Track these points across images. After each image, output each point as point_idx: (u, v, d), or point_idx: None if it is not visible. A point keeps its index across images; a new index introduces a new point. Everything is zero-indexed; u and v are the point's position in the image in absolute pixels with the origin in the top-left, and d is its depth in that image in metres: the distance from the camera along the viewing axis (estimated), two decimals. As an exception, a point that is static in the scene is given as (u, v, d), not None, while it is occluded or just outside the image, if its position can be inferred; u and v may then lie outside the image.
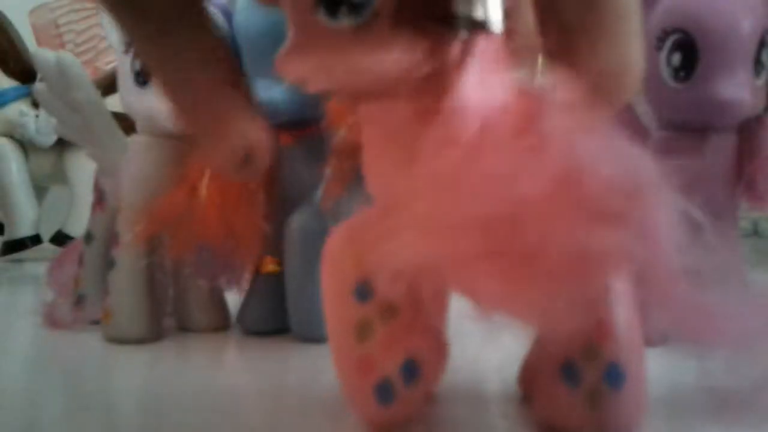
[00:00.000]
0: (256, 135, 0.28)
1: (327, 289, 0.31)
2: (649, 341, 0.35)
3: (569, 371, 0.28)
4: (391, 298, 0.28)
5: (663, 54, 0.44)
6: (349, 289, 0.29)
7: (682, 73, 0.43)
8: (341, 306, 0.30)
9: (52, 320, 0.50)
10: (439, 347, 0.30)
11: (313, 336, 0.46)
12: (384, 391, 0.29)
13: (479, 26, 0.25)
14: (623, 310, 0.28)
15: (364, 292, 0.29)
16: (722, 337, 0.28)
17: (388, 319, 0.29)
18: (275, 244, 0.47)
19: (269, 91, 0.44)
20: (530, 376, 0.32)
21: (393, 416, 0.29)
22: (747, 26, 0.42)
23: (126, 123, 0.49)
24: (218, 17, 0.47)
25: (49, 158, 0.79)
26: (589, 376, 0.28)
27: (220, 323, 0.50)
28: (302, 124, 0.45)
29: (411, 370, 0.29)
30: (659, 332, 0.36)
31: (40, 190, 0.81)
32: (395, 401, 0.29)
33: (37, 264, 0.71)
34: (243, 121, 0.28)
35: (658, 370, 0.42)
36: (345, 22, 0.24)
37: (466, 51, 0.25)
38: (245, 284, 0.49)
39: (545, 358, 0.29)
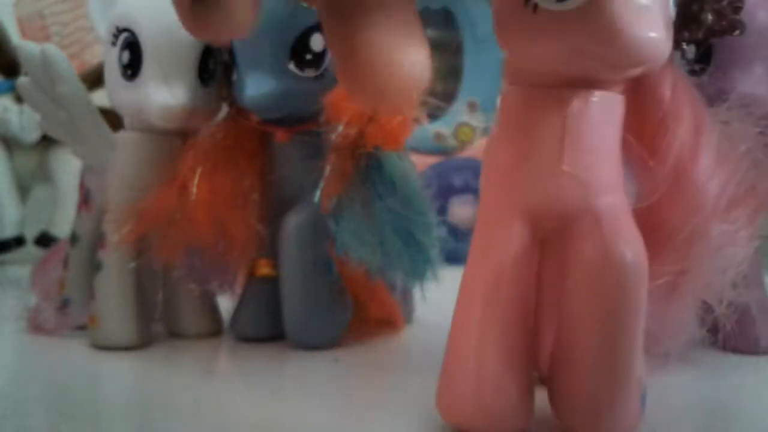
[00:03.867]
0: None
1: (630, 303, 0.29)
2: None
3: None
4: None
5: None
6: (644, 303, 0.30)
7: (697, 67, 0.42)
8: (640, 321, 0.29)
9: (35, 325, 0.49)
10: None
11: (309, 343, 0.45)
12: (645, 398, 0.31)
13: None
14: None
15: None
16: None
17: None
18: (270, 246, 0.45)
19: (261, 84, 0.42)
20: None
21: None
22: (763, 18, 0.41)
23: (113, 119, 0.48)
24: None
25: (33, 156, 0.78)
26: None
27: (212, 329, 0.49)
28: (299, 120, 0.44)
29: None
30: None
31: (23, 189, 0.81)
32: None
33: (20, 267, 0.70)
34: None
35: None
36: None
37: None
38: (238, 288, 0.48)
39: None
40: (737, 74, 0.41)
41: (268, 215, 0.45)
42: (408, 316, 0.51)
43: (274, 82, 0.43)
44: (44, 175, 0.79)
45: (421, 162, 0.61)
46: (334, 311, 0.45)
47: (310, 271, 0.44)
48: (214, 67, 0.46)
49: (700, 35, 0.32)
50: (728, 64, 0.41)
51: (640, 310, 0.29)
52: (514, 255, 0.30)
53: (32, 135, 0.76)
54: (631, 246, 0.29)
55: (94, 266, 0.46)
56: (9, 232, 0.77)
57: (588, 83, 0.29)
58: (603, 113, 0.29)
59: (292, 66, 0.43)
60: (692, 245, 0.30)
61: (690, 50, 0.42)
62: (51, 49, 0.46)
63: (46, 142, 0.76)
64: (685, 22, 0.32)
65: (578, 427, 0.30)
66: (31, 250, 0.77)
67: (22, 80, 0.47)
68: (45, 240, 0.78)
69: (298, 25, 0.42)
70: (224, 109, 0.47)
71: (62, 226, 0.71)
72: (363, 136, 0.40)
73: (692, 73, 0.42)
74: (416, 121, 0.41)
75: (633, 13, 0.27)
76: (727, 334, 0.45)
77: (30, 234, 0.78)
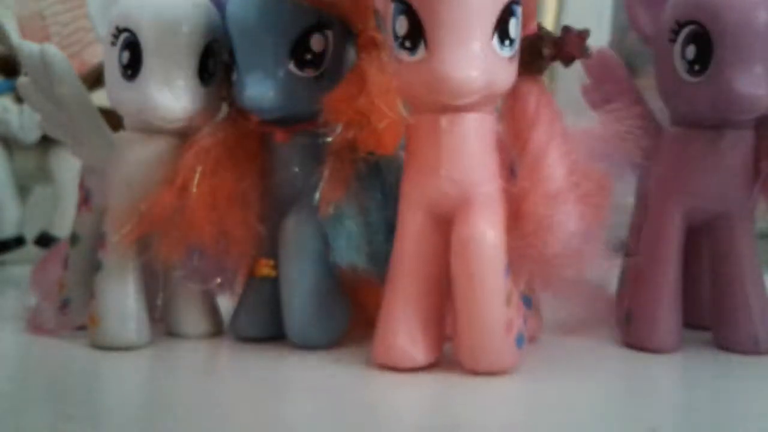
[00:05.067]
0: None
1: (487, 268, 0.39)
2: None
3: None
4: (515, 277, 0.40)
5: (677, 46, 0.43)
6: (503, 267, 0.39)
7: (696, 67, 0.42)
8: (498, 281, 0.39)
9: (35, 326, 0.49)
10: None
11: (309, 343, 0.45)
12: (520, 340, 0.40)
13: None
14: None
15: (507, 271, 0.39)
16: None
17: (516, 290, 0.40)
18: (270, 246, 0.45)
19: (261, 85, 0.42)
20: None
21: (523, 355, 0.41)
22: (763, 18, 0.41)
23: (113, 119, 0.48)
24: (210, 8, 0.46)
25: (33, 156, 0.78)
26: None
27: (212, 329, 0.49)
28: (298, 120, 0.44)
29: (526, 317, 0.41)
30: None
31: (23, 189, 0.80)
32: (524, 344, 0.40)
33: (20, 267, 0.70)
34: None
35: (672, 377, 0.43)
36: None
37: None
38: (238, 288, 0.48)
39: None
40: (737, 74, 0.41)
41: (268, 215, 0.45)
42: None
43: (274, 82, 0.42)
44: (44, 175, 0.79)
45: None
46: (334, 311, 0.45)
47: (310, 272, 0.44)
48: (214, 67, 0.46)
49: (546, 65, 0.41)
50: (728, 64, 0.41)
51: (497, 272, 0.38)
52: (415, 236, 0.41)
53: (32, 135, 0.75)
54: (490, 226, 0.39)
55: (94, 266, 0.46)
56: (9, 232, 0.77)
57: (456, 108, 0.39)
58: (470, 128, 0.40)
59: (292, 66, 0.43)
60: (544, 218, 0.39)
61: (690, 50, 0.42)
62: (51, 49, 0.46)
63: (46, 142, 0.75)
64: (531, 56, 0.41)
65: (465, 362, 0.40)
66: (31, 250, 0.76)
67: (22, 80, 0.47)
68: (45, 240, 0.77)
69: (298, 25, 0.42)
70: (224, 109, 0.47)
71: (62, 226, 0.71)
72: (356, 140, 0.40)
73: (691, 73, 0.42)
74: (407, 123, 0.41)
75: (457, 60, 0.37)
76: (724, 333, 0.45)
77: (30, 234, 0.78)
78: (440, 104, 0.39)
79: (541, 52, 0.41)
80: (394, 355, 0.41)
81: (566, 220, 0.39)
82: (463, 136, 0.40)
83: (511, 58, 0.40)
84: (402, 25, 0.39)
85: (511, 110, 0.41)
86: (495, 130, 0.41)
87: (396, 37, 0.39)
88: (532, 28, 0.42)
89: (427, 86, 0.38)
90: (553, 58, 0.41)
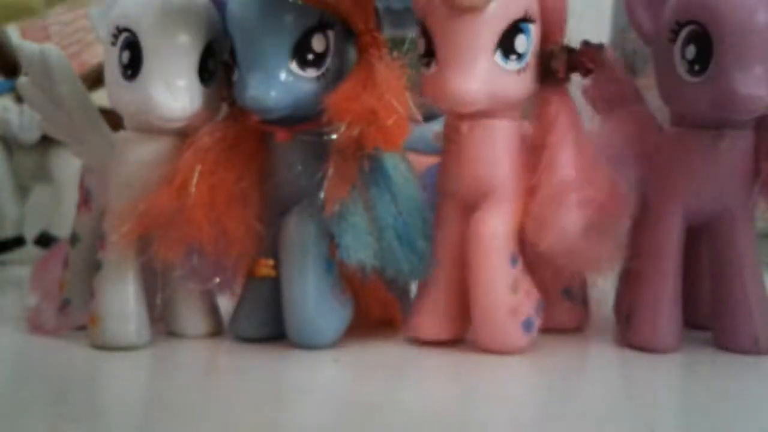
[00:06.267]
0: None
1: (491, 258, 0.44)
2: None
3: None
4: (527, 262, 0.44)
5: (677, 46, 0.43)
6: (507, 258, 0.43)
7: (696, 67, 0.42)
8: (500, 270, 0.43)
9: (36, 326, 0.49)
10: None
11: (309, 343, 0.45)
12: (528, 325, 0.44)
13: None
14: None
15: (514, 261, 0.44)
16: None
17: (525, 277, 0.44)
18: (270, 246, 0.45)
19: (263, 85, 0.42)
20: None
21: (533, 340, 0.44)
22: (763, 18, 0.41)
23: (113, 119, 0.47)
24: (210, 8, 0.46)
25: (33, 156, 0.77)
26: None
27: (212, 329, 0.49)
28: (300, 120, 0.44)
29: (541, 307, 0.45)
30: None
31: (23, 189, 0.80)
32: (534, 330, 0.44)
33: (20, 267, 0.70)
34: None
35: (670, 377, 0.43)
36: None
37: None
38: (238, 288, 0.48)
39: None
40: (737, 75, 0.41)
41: (268, 215, 0.45)
42: (407, 315, 0.51)
43: (276, 82, 0.42)
44: (44, 175, 0.79)
45: (421, 162, 0.61)
46: (334, 311, 0.45)
47: (310, 271, 0.44)
48: (214, 67, 0.46)
49: (559, 77, 0.44)
50: (727, 65, 0.41)
51: (500, 262, 0.43)
52: (445, 224, 0.45)
53: (32, 135, 0.75)
54: (498, 220, 0.43)
55: (94, 266, 0.46)
56: (9, 232, 0.77)
57: (474, 116, 0.43)
58: (487, 133, 0.44)
59: (293, 66, 0.43)
60: (542, 216, 0.43)
61: (690, 50, 0.42)
62: (50, 49, 0.46)
63: (46, 142, 0.75)
64: (545, 69, 0.44)
65: (476, 341, 0.45)
66: (31, 250, 0.76)
67: (22, 80, 0.47)
68: (45, 240, 0.77)
69: (299, 25, 0.42)
70: (224, 109, 0.47)
71: (62, 226, 0.71)
72: (362, 137, 0.40)
73: (691, 73, 0.42)
74: (414, 121, 0.41)
75: (459, 76, 0.42)
76: (723, 333, 0.45)
77: (30, 234, 0.78)
78: (456, 112, 0.44)
79: (549, 66, 0.44)
80: (419, 330, 0.46)
81: (565, 219, 0.42)
82: (481, 139, 0.44)
83: (520, 71, 0.43)
84: (421, 44, 0.44)
85: (536, 116, 0.45)
86: (518, 134, 0.45)
87: (419, 54, 0.44)
88: (557, 40, 0.45)
89: (437, 98, 0.43)
90: (571, 70, 0.45)
